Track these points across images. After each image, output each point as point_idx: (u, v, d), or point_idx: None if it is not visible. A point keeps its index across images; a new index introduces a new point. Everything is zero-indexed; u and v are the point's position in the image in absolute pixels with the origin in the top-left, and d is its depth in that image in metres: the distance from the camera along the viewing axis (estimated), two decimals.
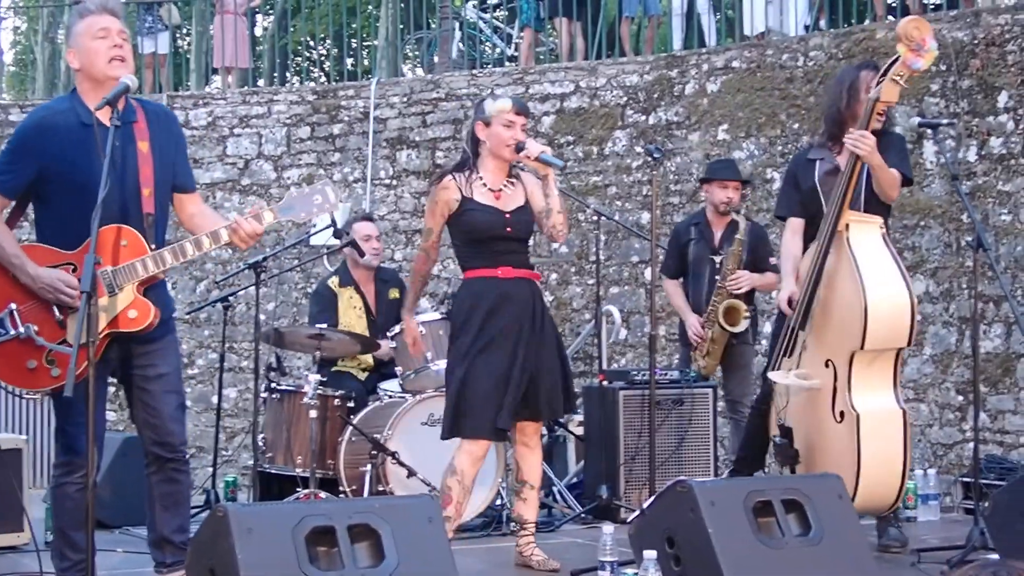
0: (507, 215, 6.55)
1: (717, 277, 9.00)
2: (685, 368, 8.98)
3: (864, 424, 6.71)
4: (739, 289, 8.95)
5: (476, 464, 6.56)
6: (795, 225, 7.35)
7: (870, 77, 7.00)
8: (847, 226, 6.79)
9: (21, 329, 5.33)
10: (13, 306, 5.36)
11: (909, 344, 6.86)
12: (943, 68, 11.03)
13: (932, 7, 14.30)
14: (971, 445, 7.09)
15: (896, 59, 6.65)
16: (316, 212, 5.69)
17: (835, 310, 6.84)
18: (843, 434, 6.79)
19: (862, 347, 6.69)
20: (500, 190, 6.61)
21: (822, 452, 6.92)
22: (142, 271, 5.46)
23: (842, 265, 6.78)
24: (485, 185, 6.59)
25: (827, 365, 6.88)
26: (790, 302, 7.09)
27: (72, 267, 5.37)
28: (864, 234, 6.85)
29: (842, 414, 6.80)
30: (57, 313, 5.41)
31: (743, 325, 8.97)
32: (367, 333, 8.90)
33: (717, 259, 9.04)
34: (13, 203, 5.57)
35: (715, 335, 8.99)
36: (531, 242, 7.19)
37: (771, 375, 7.11)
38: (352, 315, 9.07)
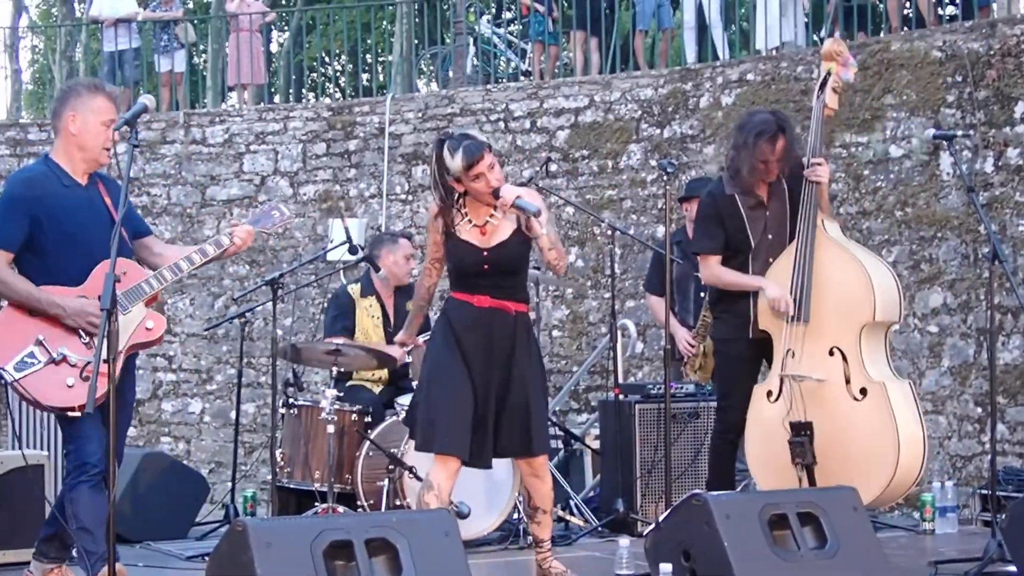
0: (485, 252, 6.45)
1: (702, 293, 9.07)
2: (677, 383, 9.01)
3: (891, 393, 6.92)
4: None
5: (452, 478, 6.43)
6: (715, 261, 7.57)
7: (766, 148, 7.36)
8: (822, 221, 7.22)
9: (55, 354, 5.86)
10: (41, 337, 5.89)
11: (899, 322, 7.28)
12: (959, 79, 11.04)
13: (947, 18, 14.30)
14: (989, 457, 7.07)
15: (828, 74, 7.53)
16: (278, 223, 6.67)
17: (834, 295, 7.09)
18: (871, 409, 6.93)
19: (873, 318, 6.98)
20: (486, 223, 6.50)
21: (849, 438, 6.98)
22: (148, 289, 6.09)
23: (830, 253, 7.15)
24: (471, 222, 6.50)
25: (832, 353, 7.05)
26: (776, 303, 7.20)
27: (84, 299, 5.94)
28: (835, 227, 7.41)
29: (863, 391, 6.96)
30: (83, 335, 5.93)
31: None
32: (383, 342, 8.92)
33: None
34: (12, 256, 6.02)
35: (706, 348, 9.09)
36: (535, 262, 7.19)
37: (783, 373, 7.18)
38: (369, 324, 9.08)
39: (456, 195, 6.50)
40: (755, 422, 7.31)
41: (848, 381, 7.00)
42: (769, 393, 7.24)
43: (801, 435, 7.01)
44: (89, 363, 5.78)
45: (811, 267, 7.12)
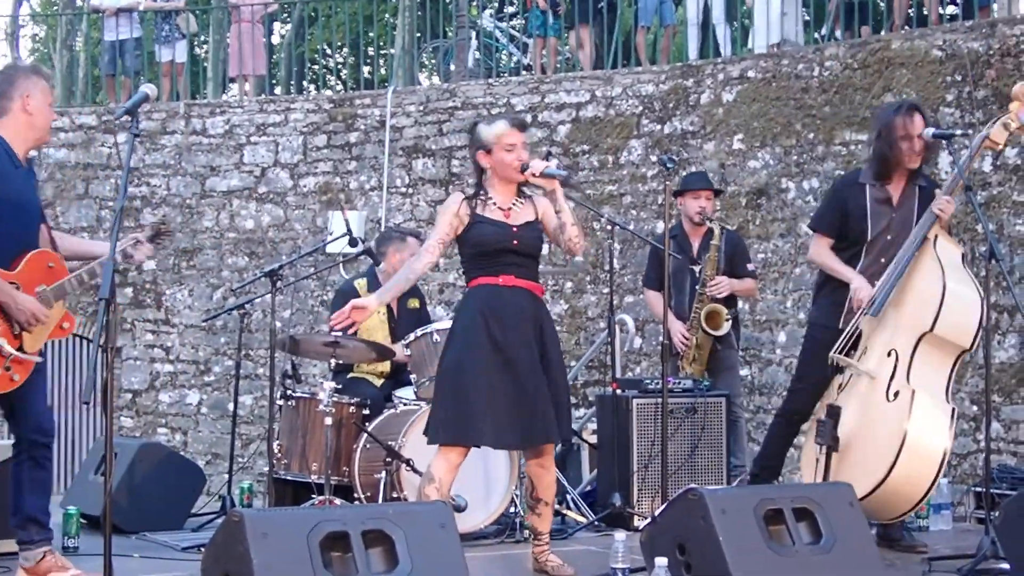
0: (514, 228, 6.54)
1: (698, 286, 9.26)
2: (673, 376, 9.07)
3: (918, 401, 6.94)
4: (719, 294, 9.28)
5: (453, 471, 6.47)
6: (825, 243, 7.66)
7: (903, 122, 7.38)
8: (935, 236, 7.22)
9: None
10: None
11: (971, 348, 7.13)
12: (959, 78, 11.05)
13: (948, 17, 14.30)
14: (984, 455, 7.09)
15: (1009, 112, 7.26)
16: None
17: (910, 300, 7.16)
18: (892, 413, 6.97)
19: (932, 329, 6.99)
20: (510, 208, 6.61)
21: (864, 431, 7.06)
22: (69, 289, 6.35)
23: (924, 263, 7.17)
24: (495, 204, 6.60)
25: (889, 355, 7.12)
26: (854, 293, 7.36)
27: (16, 286, 6.14)
28: (950, 246, 7.32)
29: (896, 393, 7.02)
30: (15, 327, 6.15)
31: (725, 328, 9.27)
32: (388, 339, 8.91)
33: (696, 269, 9.28)
34: None
35: (700, 340, 9.27)
36: (545, 252, 7.23)
37: (834, 355, 7.28)
38: (375, 319, 9.05)
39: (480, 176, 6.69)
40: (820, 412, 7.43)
41: (891, 383, 7.07)
42: (840, 385, 7.36)
43: (828, 417, 7.09)
44: (13, 356, 6.10)
45: (903, 270, 7.18)
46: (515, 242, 6.52)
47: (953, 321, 7.01)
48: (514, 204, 6.63)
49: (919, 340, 7.07)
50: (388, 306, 9.06)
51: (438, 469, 6.41)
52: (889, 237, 7.46)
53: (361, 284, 9.11)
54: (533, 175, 6.50)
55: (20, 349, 6.15)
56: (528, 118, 13.83)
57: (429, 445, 6.59)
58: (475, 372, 6.40)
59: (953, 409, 7.12)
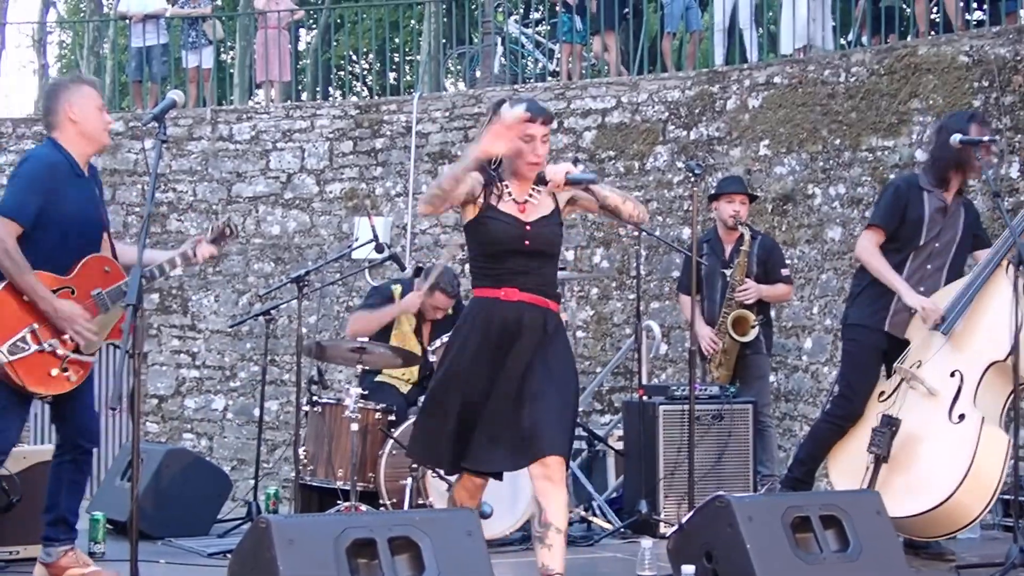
0: (527, 226, 5.83)
1: (728, 291, 9.29)
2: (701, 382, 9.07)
3: (986, 429, 6.97)
4: (748, 299, 9.26)
5: (475, 497, 6.04)
6: (878, 238, 7.60)
7: (976, 130, 7.40)
8: (1008, 264, 7.19)
9: (45, 345, 6.19)
10: (35, 326, 6.19)
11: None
12: (985, 84, 11.01)
13: (975, 23, 14.26)
14: (1012, 463, 7.07)
15: None
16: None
17: (984, 325, 7.18)
18: (960, 435, 7.00)
19: (1005, 359, 6.99)
20: (526, 201, 5.88)
21: (925, 450, 7.07)
22: (125, 291, 6.19)
23: (1000, 288, 7.19)
24: (511, 195, 5.87)
25: (953, 375, 7.14)
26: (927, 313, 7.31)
27: (70, 290, 6.27)
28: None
29: (962, 416, 7.03)
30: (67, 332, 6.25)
31: (752, 334, 9.27)
32: (416, 346, 8.89)
33: (728, 273, 9.24)
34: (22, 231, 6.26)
35: (726, 345, 9.30)
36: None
37: (899, 366, 7.33)
38: (405, 324, 9.04)
39: (495, 165, 5.90)
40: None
41: (954, 403, 7.07)
42: (882, 393, 7.39)
43: (885, 427, 7.07)
44: (70, 357, 6.24)
45: (978, 291, 7.22)
46: (526, 243, 5.82)
47: None
48: (531, 196, 5.90)
49: (989, 367, 7.10)
50: (420, 313, 9.02)
51: (460, 497, 6.05)
52: (938, 245, 7.50)
53: (397, 290, 9.10)
54: (557, 187, 5.84)
55: (76, 351, 6.27)
56: (554, 124, 13.83)
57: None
58: (462, 393, 5.80)
59: (1010, 440, 7.11)
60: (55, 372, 6.23)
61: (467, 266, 6.35)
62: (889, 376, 7.54)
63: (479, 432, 5.77)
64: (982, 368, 7.09)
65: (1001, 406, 7.15)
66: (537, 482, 5.71)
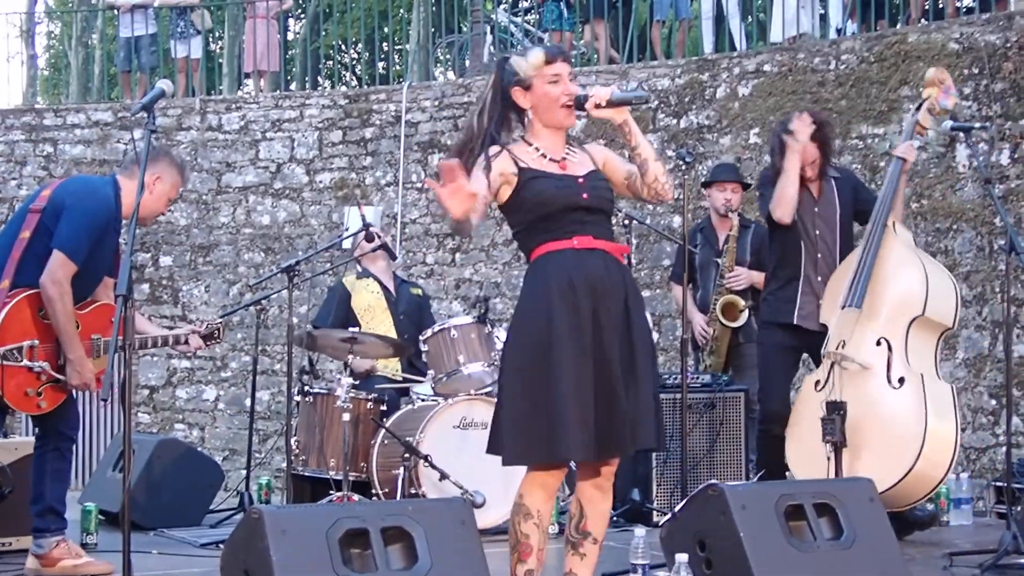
0: (580, 180, 5.15)
1: (721, 280, 9.31)
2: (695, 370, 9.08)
3: (928, 385, 7.12)
4: (738, 286, 9.27)
5: (551, 499, 5.18)
6: None
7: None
8: (893, 223, 7.51)
9: (35, 365, 6.35)
10: (35, 342, 6.37)
11: (953, 327, 7.46)
12: (976, 71, 11.01)
13: (965, 10, 14.26)
14: (1004, 449, 7.09)
15: (927, 98, 7.67)
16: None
17: (889, 289, 7.36)
18: (905, 397, 7.14)
19: (923, 312, 7.23)
20: (563, 159, 5.22)
21: (879, 422, 7.14)
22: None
23: (895, 251, 7.41)
24: (544, 156, 5.17)
25: (879, 344, 7.27)
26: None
27: (76, 325, 6.42)
28: (906, 233, 7.74)
29: (901, 380, 7.18)
30: (61, 360, 6.42)
31: (742, 319, 9.25)
32: (388, 315, 8.95)
33: (720, 261, 9.23)
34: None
35: (718, 332, 9.29)
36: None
37: (830, 351, 7.40)
38: (370, 298, 9.11)
39: (513, 126, 5.25)
40: (802, 411, 7.50)
41: (889, 370, 7.19)
42: (817, 382, 7.44)
43: (834, 414, 7.09)
44: (48, 385, 6.41)
45: (874, 259, 7.35)
46: (584, 195, 5.10)
47: (939, 303, 7.30)
48: (567, 154, 5.25)
49: (910, 325, 7.27)
50: (382, 284, 9.14)
51: (534, 500, 5.12)
52: (818, 232, 7.89)
53: (349, 280, 9.22)
54: (598, 106, 5.18)
55: (57, 381, 6.44)
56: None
57: (505, 466, 5.15)
58: (561, 365, 4.92)
59: (951, 387, 7.33)
60: (30, 392, 6.37)
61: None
62: (818, 366, 7.64)
63: (570, 414, 4.89)
64: (904, 328, 7.27)
65: (933, 358, 7.36)
66: (585, 487, 5.21)
